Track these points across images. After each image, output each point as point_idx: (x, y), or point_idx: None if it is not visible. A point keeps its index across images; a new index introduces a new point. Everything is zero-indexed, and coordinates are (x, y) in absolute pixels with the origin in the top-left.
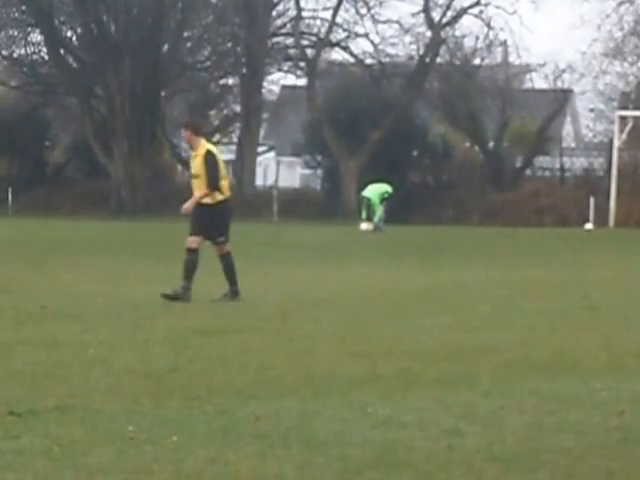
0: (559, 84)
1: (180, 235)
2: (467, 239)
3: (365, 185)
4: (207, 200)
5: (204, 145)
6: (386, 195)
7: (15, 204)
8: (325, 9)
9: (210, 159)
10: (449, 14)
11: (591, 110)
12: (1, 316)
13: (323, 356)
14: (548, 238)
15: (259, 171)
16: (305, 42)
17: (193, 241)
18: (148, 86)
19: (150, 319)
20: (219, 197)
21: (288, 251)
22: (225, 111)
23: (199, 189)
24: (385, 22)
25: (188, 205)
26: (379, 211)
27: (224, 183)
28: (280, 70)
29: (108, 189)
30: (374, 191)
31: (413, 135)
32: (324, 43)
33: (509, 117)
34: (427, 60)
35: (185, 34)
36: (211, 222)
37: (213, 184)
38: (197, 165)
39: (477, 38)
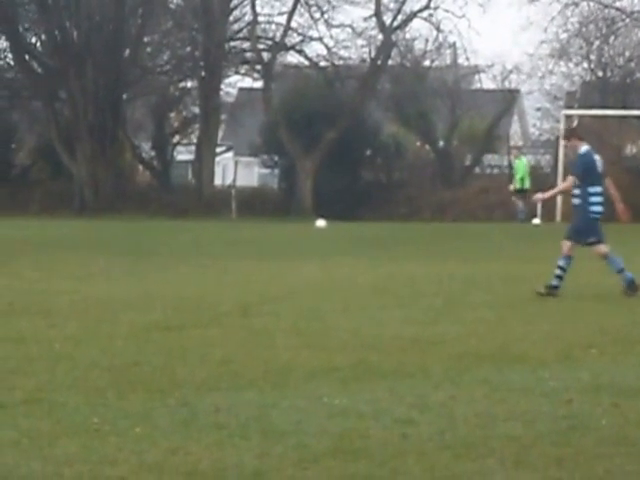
0: (506, 84)
1: (141, 233)
2: (419, 234)
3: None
4: None
5: None
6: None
7: None
8: (280, 14)
9: None
10: (400, 18)
11: (538, 109)
12: None
13: (281, 349)
14: (497, 233)
15: (218, 171)
16: (261, 46)
17: None
18: (110, 90)
19: (113, 315)
20: None
21: (247, 248)
22: (184, 113)
23: None
24: (338, 26)
25: None
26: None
27: None
28: (237, 73)
29: (72, 189)
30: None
31: (366, 135)
32: (279, 47)
33: (458, 117)
34: (379, 62)
35: (145, 39)
36: None
37: None
38: None
39: (427, 41)
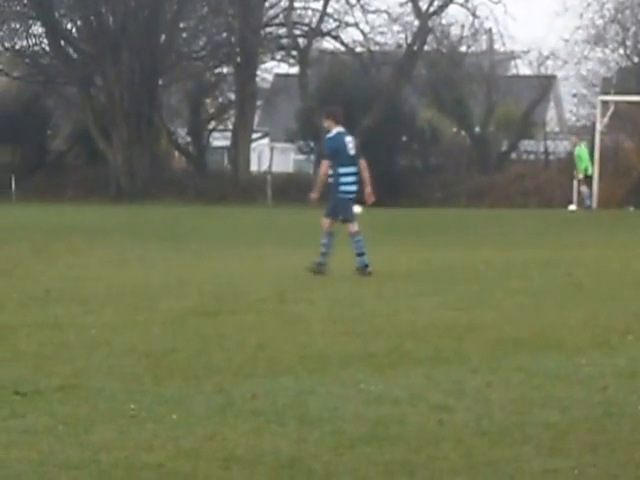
0: (543, 70)
1: (176, 219)
2: (455, 221)
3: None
4: None
5: None
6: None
7: (18, 190)
8: (316, 0)
9: None
10: (436, 3)
11: (574, 95)
12: (6, 299)
13: (318, 335)
14: (533, 219)
15: (254, 157)
16: (297, 32)
17: None
18: (146, 75)
19: (150, 301)
20: None
21: (282, 234)
22: (220, 99)
23: None
24: (374, 12)
25: None
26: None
27: None
28: (273, 59)
29: (108, 175)
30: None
31: (402, 121)
32: (315, 33)
33: (494, 103)
34: (415, 48)
35: (181, 25)
36: None
37: None
38: None
39: (463, 26)
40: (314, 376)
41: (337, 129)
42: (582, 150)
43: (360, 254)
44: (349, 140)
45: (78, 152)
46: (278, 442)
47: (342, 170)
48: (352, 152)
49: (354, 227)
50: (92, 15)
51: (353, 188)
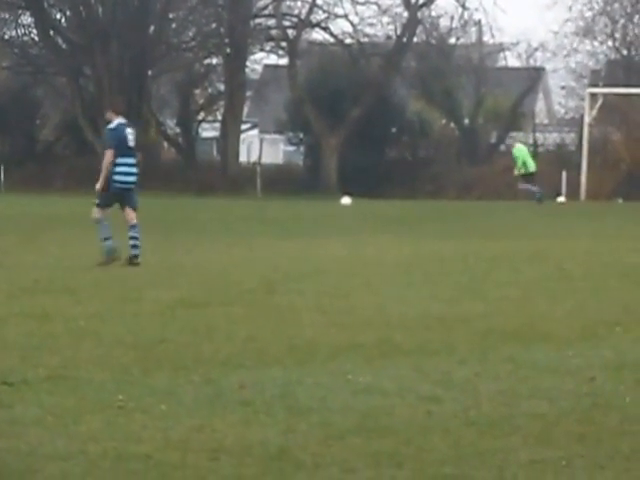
0: (532, 62)
1: (165, 210)
2: (444, 212)
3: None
4: None
5: None
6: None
7: (7, 181)
8: None
9: None
10: None
11: (563, 87)
12: None
13: (306, 326)
14: (522, 211)
15: (243, 148)
16: (286, 23)
17: None
18: (135, 66)
19: (139, 292)
20: None
21: (272, 225)
22: (210, 90)
23: None
24: (364, 3)
25: None
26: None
27: None
28: (262, 50)
29: (96, 165)
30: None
31: (391, 112)
32: (305, 24)
33: (483, 94)
34: (404, 40)
35: (170, 15)
36: None
37: None
38: None
39: (452, 18)
40: (302, 367)
41: (118, 120)
42: (516, 150)
43: (106, 239)
44: (129, 132)
45: (67, 142)
46: (266, 433)
47: (120, 160)
48: (131, 143)
49: (97, 214)
50: (81, 5)
51: (130, 179)
